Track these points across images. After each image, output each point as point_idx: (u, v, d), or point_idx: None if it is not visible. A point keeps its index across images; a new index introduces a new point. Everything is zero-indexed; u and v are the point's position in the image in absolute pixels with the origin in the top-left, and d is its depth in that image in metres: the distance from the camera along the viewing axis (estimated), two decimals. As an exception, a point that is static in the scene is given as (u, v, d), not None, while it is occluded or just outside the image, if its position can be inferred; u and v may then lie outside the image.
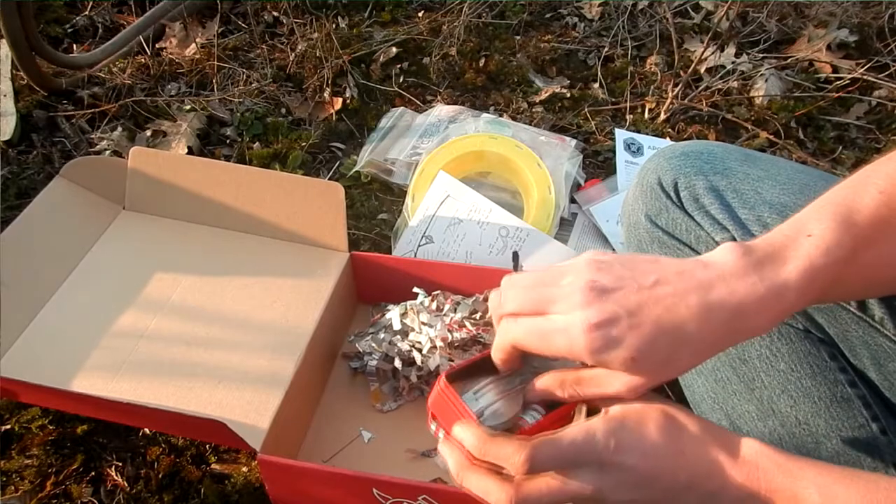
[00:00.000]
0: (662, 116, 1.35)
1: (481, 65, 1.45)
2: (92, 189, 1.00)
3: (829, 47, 1.48)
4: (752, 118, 1.37)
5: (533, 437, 0.45)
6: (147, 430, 0.89)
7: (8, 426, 0.88)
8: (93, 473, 0.86)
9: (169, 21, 1.43)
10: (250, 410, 0.80)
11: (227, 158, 1.23)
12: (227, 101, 1.32)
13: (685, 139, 1.32)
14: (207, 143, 1.27)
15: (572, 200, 1.19)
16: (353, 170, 1.23)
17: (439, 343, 0.86)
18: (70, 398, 0.82)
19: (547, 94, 1.39)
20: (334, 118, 1.33)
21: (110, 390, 0.81)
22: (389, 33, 1.49)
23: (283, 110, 1.34)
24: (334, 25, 1.49)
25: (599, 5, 1.60)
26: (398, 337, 0.90)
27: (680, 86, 1.35)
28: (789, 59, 1.46)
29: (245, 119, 1.29)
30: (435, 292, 0.92)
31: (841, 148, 1.33)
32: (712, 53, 1.44)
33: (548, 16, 1.60)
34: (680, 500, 0.44)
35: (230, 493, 0.84)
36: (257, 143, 1.27)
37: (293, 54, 1.40)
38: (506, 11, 1.57)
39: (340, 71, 1.39)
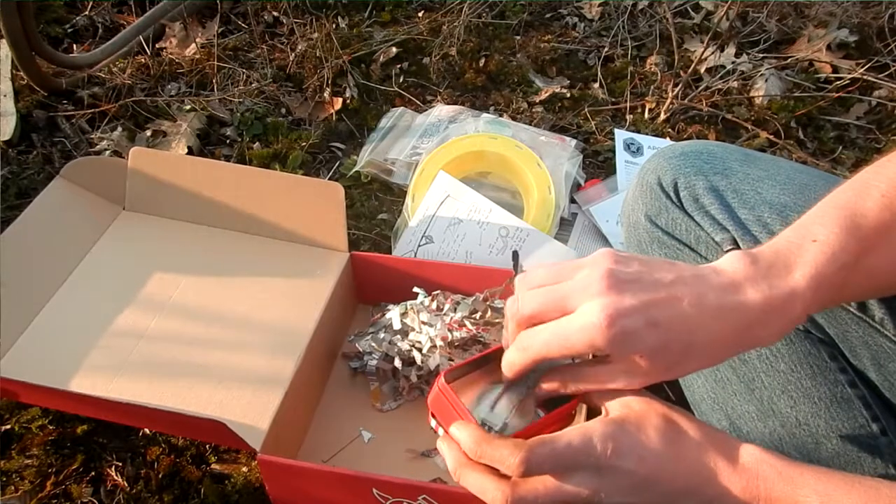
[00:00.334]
0: (662, 116, 1.35)
1: (481, 65, 1.45)
2: (92, 189, 1.00)
3: (829, 47, 1.48)
4: (752, 118, 1.37)
5: (530, 438, 0.45)
6: (147, 430, 0.89)
7: (8, 426, 0.88)
8: (93, 473, 0.86)
9: (169, 21, 1.43)
10: (250, 410, 0.80)
11: (227, 158, 1.23)
12: (227, 101, 1.32)
13: (685, 139, 1.32)
14: (207, 143, 1.27)
15: (572, 200, 1.19)
16: (353, 170, 1.23)
17: (439, 342, 0.86)
18: (70, 398, 0.82)
19: (547, 94, 1.39)
20: (334, 118, 1.33)
21: (110, 390, 0.81)
22: (389, 33, 1.49)
23: (283, 110, 1.34)
24: (334, 25, 1.49)
25: (599, 5, 1.60)
26: (398, 336, 0.90)
27: (680, 86, 1.35)
28: (789, 59, 1.46)
29: (245, 119, 1.29)
30: (435, 292, 0.92)
31: (841, 148, 1.33)
32: (712, 53, 1.44)
33: (548, 16, 1.60)
34: None
35: (230, 493, 0.84)
36: (257, 143, 1.27)
37: (293, 54, 1.40)
38: (506, 11, 1.57)
39: (340, 71, 1.39)
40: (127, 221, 1.01)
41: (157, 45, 1.42)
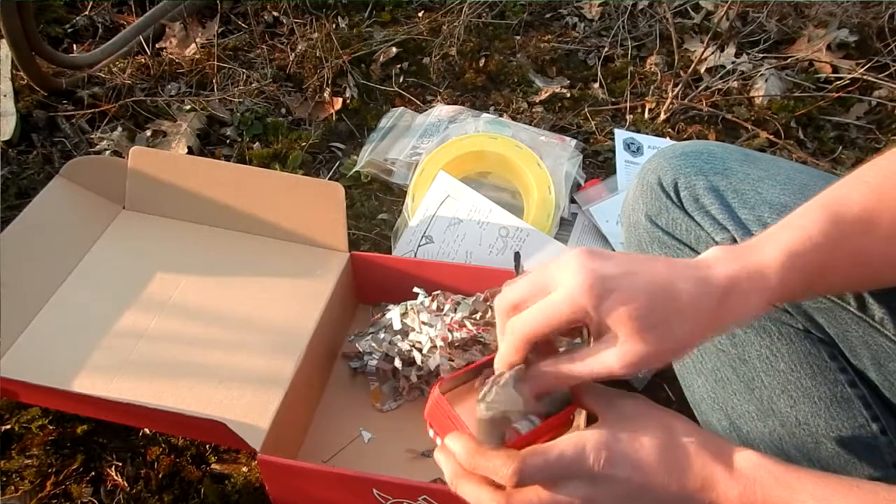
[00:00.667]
0: (662, 116, 1.35)
1: (481, 65, 1.45)
2: (92, 189, 1.00)
3: (829, 47, 1.48)
4: (752, 118, 1.37)
5: (524, 448, 0.45)
6: (147, 430, 0.89)
7: (8, 426, 0.88)
8: (93, 473, 0.86)
9: (169, 21, 1.43)
10: (250, 410, 0.80)
11: (227, 158, 1.23)
12: (227, 101, 1.32)
13: (685, 139, 1.32)
14: (207, 143, 1.27)
15: (572, 200, 1.19)
16: (353, 170, 1.23)
17: (439, 343, 0.86)
18: (70, 398, 0.82)
19: (547, 94, 1.39)
20: (334, 118, 1.33)
21: (110, 390, 0.81)
22: (389, 33, 1.49)
23: (283, 110, 1.34)
24: (334, 25, 1.49)
25: (599, 5, 1.60)
26: (398, 337, 0.90)
27: (680, 86, 1.35)
28: (789, 59, 1.46)
29: (245, 119, 1.29)
30: (435, 292, 0.92)
31: (841, 148, 1.33)
32: (712, 53, 1.44)
33: (548, 16, 1.60)
34: None
35: (230, 493, 0.84)
36: (257, 143, 1.27)
37: (293, 54, 1.40)
38: (506, 11, 1.57)
39: (340, 71, 1.39)
40: (127, 221, 1.01)
41: (157, 45, 1.42)
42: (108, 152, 1.21)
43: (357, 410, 0.91)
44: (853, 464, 0.57)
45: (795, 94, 1.40)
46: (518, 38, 1.53)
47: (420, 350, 0.88)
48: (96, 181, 1.00)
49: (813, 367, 0.60)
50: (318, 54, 1.38)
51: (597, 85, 1.43)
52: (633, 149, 1.27)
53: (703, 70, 1.45)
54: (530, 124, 1.31)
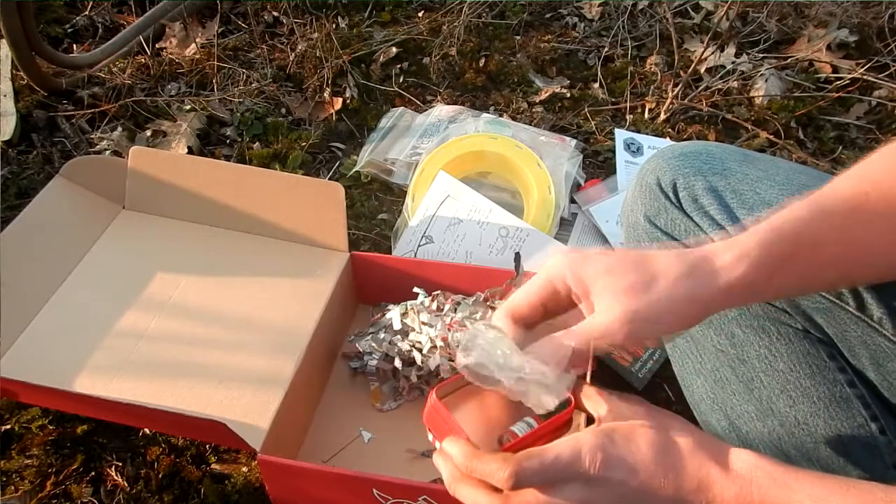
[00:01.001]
0: (662, 116, 1.35)
1: (481, 65, 1.45)
2: (92, 188, 1.00)
3: (829, 47, 1.48)
4: (752, 118, 1.37)
5: (521, 451, 0.45)
6: (147, 430, 0.89)
7: (8, 426, 0.88)
8: (93, 473, 0.86)
9: (169, 21, 1.43)
10: (250, 410, 0.80)
11: (227, 158, 1.23)
12: (227, 101, 1.32)
13: (685, 139, 1.33)
14: (207, 143, 1.27)
15: (572, 200, 1.19)
16: (353, 170, 1.23)
17: (439, 343, 0.86)
18: (70, 398, 0.82)
19: (547, 94, 1.39)
20: (334, 118, 1.33)
21: (110, 390, 0.81)
22: (389, 33, 1.49)
23: (283, 110, 1.34)
24: (334, 25, 1.49)
25: (599, 5, 1.60)
26: (398, 337, 0.90)
27: (680, 86, 1.35)
28: (789, 59, 1.46)
29: (245, 119, 1.29)
30: (435, 292, 0.93)
31: (841, 148, 1.33)
32: (712, 53, 1.44)
33: (548, 16, 1.60)
34: None
35: (230, 493, 0.84)
36: (257, 143, 1.27)
37: (293, 54, 1.40)
38: (506, 11, 1.57)
39: (340, 71, 1.39)
40: (127, 221, 1.01)
41: (157, 45, 1.42)
42: (108, 152, 1.21)
43: (357, 410, 0.91)
44: (852, 463, 0.57)
45: (795, 94, 1.40)
46: (518, 38, 1.53)
47: (420, 350, 0.88)
48: (96, 181, 1.00)
49: (812, 367, 0.60)
50: (318, 54, 1.38)
51: (597, 85, 1.43)
52: (634, 149, 1.27)
53: (703, 70, 1.45)
54: (530, 124, 1.31)
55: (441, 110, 1.32)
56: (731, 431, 0.64)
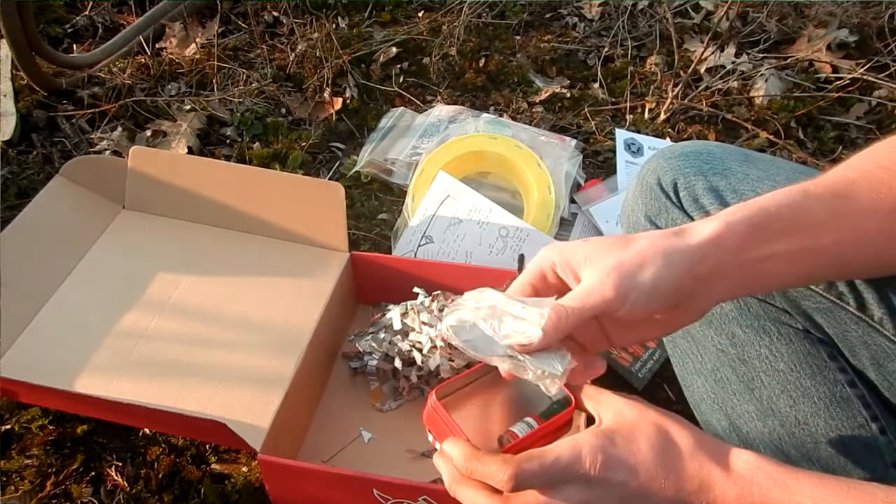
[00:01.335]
0: (662, 116, 1.35)
1: (481, 65, 1.45)
2: (91, 188, 1.00)
3: (829, 47, 1.48)
4: (752, 118, 1.37)
5: (521, 451, 0.45)
6: (147, 430, 0.89)
7: (8, 426, 0.88)
8: (93, 473, 0.86)
9: (169, 21, 1.43)
10: (250, 410, 0.80)
11: (227, 158, 1.23)
12: (227, 101, 1.32)
13: (685, 139, 1.33)
14: (207, 143, 1.27)
15: (572, 200, 1.19)
16: (353, 170, 1.23)
17: (440, 343, 0.86)
18: (70, 398, 0.82)
19: (547, 94, 1.39)
20: (334, 118, 1.33)
21: (110, 390, 0.81)
22: (389, 33, 1.49)
23: (283, 110, 1.34)
24: (334, 25, 1.49)
25: (599, 5, 1.60)
26: (398, 337, 0.90)
27: (680, 86, 1.35)
28: (789, 59, 1.46)
29: (245, 119, 1.29)
30: (435, 292, 0.92)
31: (841, 148, 1.33)
32: (712, 53, 1.44)
33: (548, 16, 1.60)
34: None
35: (230, 493, 0.84)
36: (257, 143, 1.27)
37: (293, 54, 1.40)
38: (506, 11, 1.57)
39: (340, 71, 1.39)
40: (127, 220, 1.01)
41: (157, 45, 1.42)
42: (108, 152, 1.21)
43: (357, 410, 0.91)
44: (852, 464, 0.57)
45: (795, 94, 1.40)
46: (518, 38, 1.53)
47: (420, 350, 0.88)
48: (96, 181, 1.00)
49: (812, 368, 0.60)
50: (318, 54, 1.38)
51: (597, 85, 1.43)
52: (634, 149, 1.27)
53: (703, 70, 1.45)
54: (530, 124, 1.31)
55: (441, 110, 1.32)
56: (732, 431, 0.64)
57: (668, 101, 1.35)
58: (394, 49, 1.45)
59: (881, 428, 0.58)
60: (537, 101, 1.39)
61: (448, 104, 1.35)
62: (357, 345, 0.93)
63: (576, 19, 1.59)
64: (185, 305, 0.91)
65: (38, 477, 0.85)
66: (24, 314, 0.88)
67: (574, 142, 1.27)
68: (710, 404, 0.67)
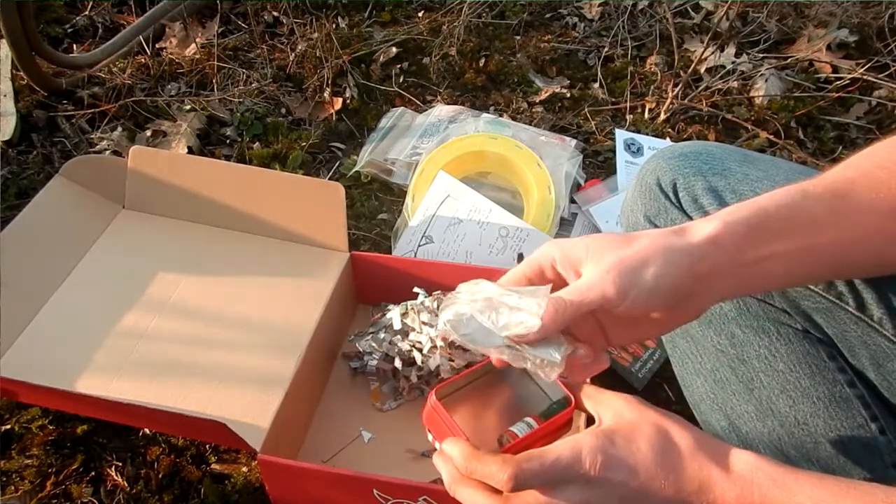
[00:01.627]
0: (662, 116, 1.35)
1: (481, 65, 1.45)
2: (91, 188, 1.00)
3: (829, 47, 1.48)
4: (752, 118, 1.37)
5: (521, 451, 0.45)
6: (147, 430, 0.89)
7: (8, 426, 0.88)
8: (93, 473, 0.86)
9: (169, 21, 1.43)
10: (250, 410, 0.80)
11: (227, 158, 1.23)
12: (227, 101, 1.32)
13: (685, 139, 1.33)
14: (207, 143, 1.27)
15: (572, 200, 1.19)
16: (353, 170, 1.23)
17: (440, 343, 0.86)
18: (70, 398, 0.82)
19: (547, 94, 1.39)
20: (334, 118, 1.33)
21: (110, 390, 0.82)
22: (389, 33, 1.49)
23: (283, 110, 1.34)
24: (334, 25, 1.49)
25: (599, 5, 1.60)
26: (398, 337, 0.90)
27: (680, 86, 1.35)
28: (789, 59, 1.46)
29: (245, 119, 1.29)
30: (435, 292, 0.92)
31: (841, 148, 1.33)
32: (712, 53, 1.44)
33: (548, 16, 1.60)
34: None
35: (230, 493, 0.84)
36: (257, 143, 1.27)
37: (293, 54, 1.40)
38: (506, 11, 1.57)
39: (340, 71, 1.39)
40: (126, 220, 1.01)
41: (157, 45, 1.42)
42: (108, 152, 1.21)
43: (357, 410, 0.91)
44: (852, 464, 0.57)
45: (795, 94, 1.40)
46: (518, 38, 1.53)
47: (420, 350, 0.88)
48: (96, 181, 1.00)
49: (812, 368, 0.60)
50: (318, 54, 1.38)
51: (597, 85, 1.43)
52: (634, 149, 1.27)
53: (703, 70, 1.45)
54: (530, 124, 1.31)
55: (441, 110, 1.32)
56: (731, 431, 0.64)
57: (668, 101, 1.35)
58: (394, 49, 1.45)
59: (881, 428, 0.58)
60: (537, 101, 1.39)
61: (448, 104, 1.35)
62: (357, 345, 0.93)
63: (576, 19, 1.59)
64: (185, 305, 0.92)
65: (38, 477, 0.85)
66: (24, 314, 0.88)
67: (574, 142, 1.27)
68: (709, 404, 0.67)
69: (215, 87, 1.34)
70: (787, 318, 0.62)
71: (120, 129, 1.26)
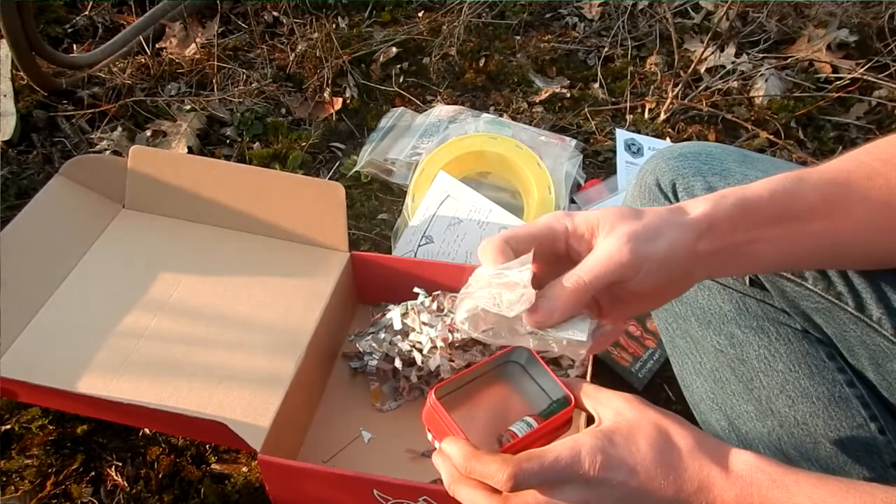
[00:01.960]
0: (662, 116, 1.35)
1: (481, 65, 1.45)
2: (91, 187, 1.00)
3: (829, 47, 1.48)
4: (752, 118, 1.37)
5: (520, 451, 0.45)
6: (147, 430, 0.89)
7: (8, 426, 0.89)
8: (93, 473, 0.86)
9: (169, 21, 1.43)
10: (250, 410, 0.80)
11: (228, 158, 1.23)
12: (227, 101, 1.32)
13: (685, 139, 1.33)
14: (207, 143, 1.27)
15: (572, 200, 1.19)
16: (353, 170, 1.23)
17: (440, 343, 0.86)
18: (70, 398, 0.82)
19: (547, 94, 1.39)
20: (334, 118, 1.34)
21: (110, 390, 0.82)
22: (389, 33, 1.49)
23: (283, 110, 1.34)
24: (334, 25, 1.49)
25: (599, 5, 1.60)
26: (398, 337, 0.90)
27: (680, 86, 1.35)
28: (789, 59, 1.46)
29: (245, 119, 1.29)
30: (435, 292, 0.93)
31: (841, 148, 1.33)
32: (712, 53, 1.44)
33: (548, 16, 1.60)
34: None
35: (230, 493, 0.84)
36: (257, 143, 1.27)
37: (293, 54, 1.40)
38: (506, 11, 1.57)
39: (340, 71, 1.39)
40: (126, 220, 1.01)
41: (157, 45, 1.42)
42: (108, 152, 1.21)
43: (357, 410, 0.91)
44: (851, 464, 0.57)
45: (795, 94, 1.40)
46: (518, 38, 1.53)
47: (420, 350, 0.88)
48: (96, 180, 1.00)
49: (811, 368, 0.60)
50: (318, 54, 1.38)
51: (597, 85, 1.43)
52: (634, 149, 1.27)
53: (703, 70, 1.45)
54: (530, 124, 1.31)
55: (441, 110, 1.32)
56: (731, 431, 0.65)
57: (668, 101, 1.35)
58: (394, 49, 1.45)
59: (880, 428, 0.58)
60: (537, 101, 1.39)
61: (448, 104, 1.35)
62: (357, 345, 0.93)
63: (576, 19, 1.59)
64: (185, 305, 0.92)
65: (38, 477, 0.85)
66: (24, 314, 0.88)
67: (574, 142, 1.27)
68: (709, 404, 0.67)
69: (215, 87, 1.34)
70: (787, 318, 0.62)
71: (120, 129, 1.26)
